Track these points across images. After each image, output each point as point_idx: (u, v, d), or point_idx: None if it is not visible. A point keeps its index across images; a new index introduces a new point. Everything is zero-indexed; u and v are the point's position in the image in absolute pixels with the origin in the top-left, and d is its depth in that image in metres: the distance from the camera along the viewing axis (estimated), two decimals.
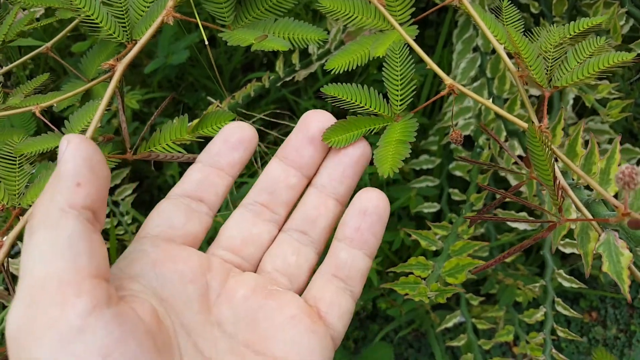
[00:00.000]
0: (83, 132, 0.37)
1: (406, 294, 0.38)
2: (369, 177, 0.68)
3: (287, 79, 0.58)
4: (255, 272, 0.25)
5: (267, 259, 0.25)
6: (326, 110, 0.30)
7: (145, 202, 0.80)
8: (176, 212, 0.24)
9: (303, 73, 0.58)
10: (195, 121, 0.38)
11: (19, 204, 0.33)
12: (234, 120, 0.39)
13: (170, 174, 0.76)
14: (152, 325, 0.19)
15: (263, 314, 0.22)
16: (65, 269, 0.17)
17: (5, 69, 0.49)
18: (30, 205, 0.33)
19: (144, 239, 0.23)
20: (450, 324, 0.62)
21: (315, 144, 0.26)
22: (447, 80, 0.30)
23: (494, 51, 0.59)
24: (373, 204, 0.24)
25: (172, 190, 0.25)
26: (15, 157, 0.35)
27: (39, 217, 0.18)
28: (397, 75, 0.31)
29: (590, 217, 0.29)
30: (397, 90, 0.31)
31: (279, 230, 0.26)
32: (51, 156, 0.61)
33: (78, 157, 0.18)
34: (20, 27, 0.49)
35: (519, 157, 0.54)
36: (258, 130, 0.75)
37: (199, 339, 0.21)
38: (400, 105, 0.31)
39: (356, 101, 0.31)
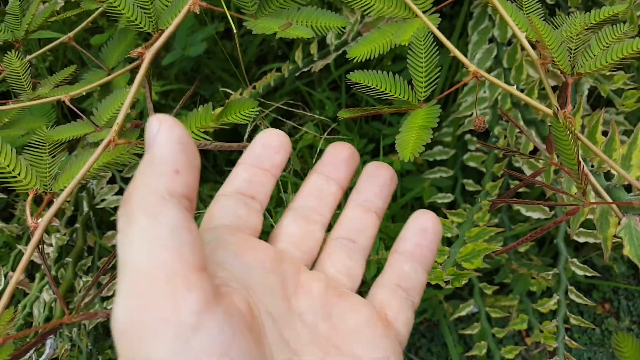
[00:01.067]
0: (111, 120, 0.38)
1: None
2: None
3: (305, 69, 0.59)
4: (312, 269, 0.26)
5: (326, 261, 0.26)
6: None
7: None
8: (238, 206, 0.24)
9: (320, 63, 0.59)
10: (219, 109, 0.39)
11: (51, 190, 0.35)
12: (255, 107, 0.40)
13: None
14: (249, 316, 0.19)
15: (337, 313, 0.23)
16: (172, 260, 0.16)
17: (27, 58, 0.51)
18: (62, 190, 0.34)
19: (217, 229, 0.23)
20: (463, 313, 0.62)
21: (347, 163, 0.28)
22: (471, 67, 0.31)
23: (510, 42, 0.59)
24: (431, 224, 0.26)
25: (223, 187, 0.26)
26: (45, 144, 0.36)
27: (137, 204, 0.17)
28: (422, 62, 0.31)
29: (611, 201, 0.30)
30: (422, 77, 0.31)
31: (327, 236, 0.27)
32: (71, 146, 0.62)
33: (174, 141, 0.18)
34: (43, 18, 0.50)
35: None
36: (274, 120, 0.76)
37: (284, 329, 0.20)
38: (424, 92, 0.32)
39: (382, 88, 0.32)
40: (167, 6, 0.40)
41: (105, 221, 0.78)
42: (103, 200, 0.73)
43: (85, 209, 0.71)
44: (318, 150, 0.72)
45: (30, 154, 0.35)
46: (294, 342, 0.20)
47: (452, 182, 0.71)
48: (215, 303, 0.17)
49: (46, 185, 0.34)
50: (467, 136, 0.70)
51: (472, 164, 0.68)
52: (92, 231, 0.72)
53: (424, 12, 0.36)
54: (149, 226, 0.17)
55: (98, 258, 0.71)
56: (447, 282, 0.37)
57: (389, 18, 0.39)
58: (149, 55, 0.35)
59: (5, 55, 0.44)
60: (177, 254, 0.16)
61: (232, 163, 0.85)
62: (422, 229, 0.26)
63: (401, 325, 0.24)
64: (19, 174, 0.33)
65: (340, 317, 0.23)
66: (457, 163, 0.71)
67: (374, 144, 0.80)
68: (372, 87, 0.31)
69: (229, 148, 0.37)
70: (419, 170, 0.75)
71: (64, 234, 0.69)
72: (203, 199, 0.76)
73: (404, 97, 0.31)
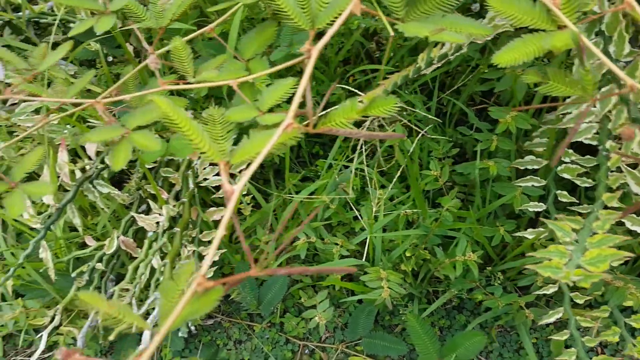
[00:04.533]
0: (272, 108, 0.43)
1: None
2: (478, 172, 0.70)
3: (422, 72, 0.61)
4: None
5: None
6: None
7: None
8: None
9: (429, 69, 0.62)
10: (365, 103, 0.43)
11: (229, 160, 0.39)
12: (397, 104, 0.43)
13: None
14: None
15: None
16: None
17: (162, 50, 0.56)
18: (240, 163, 0.38)
19: None
20: (552, 320, 0.64)
21: None
22: (629, 80, 0.33)
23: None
24: None
25: None
26: (220, 123, 0.41)
27: None
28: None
29: None
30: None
31: None
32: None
33: None
34: (184, 7, 0.55)
35: None
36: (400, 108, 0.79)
37: None
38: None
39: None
40: (323, 8, 0.44)
41: (206, 200, 0.84)
42: (205, 179, 0.79)
43: (191, 185, 0.77)
44: (410, 150, 0.75)
45: (208, 131, 0.40)
46: None
47: (542, 192, 0.72)
48: None
49: (225, 157, 0.39)
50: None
51: (567, 175, 0.69)
52: (194, 206, 0.78)
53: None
54: None
55: (200, 231, 0.76)
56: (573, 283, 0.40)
57: (530, 27, 0.42)
58: (315, 51, 0.39)
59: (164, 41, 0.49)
60: None
61: (314, 156, 0.89)
62: None
63: None
64: (205, 148, 0.38)
65: None
66: (550, 174, 0.72)
67: (458, 149, 0.82)
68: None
69: (373, 136, 0.41)
70: (507, 178, 0.76)
71: (174, 206, 0.75)
72: (287, 187, 0.81)
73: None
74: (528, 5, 0.41)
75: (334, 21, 0.43)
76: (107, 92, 0.54)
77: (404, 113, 0.85)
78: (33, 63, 0.56)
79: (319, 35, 0.42)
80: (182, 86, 0.44)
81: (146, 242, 0.74)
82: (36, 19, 0.88)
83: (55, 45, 0.94)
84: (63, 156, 0.74)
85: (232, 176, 0.80)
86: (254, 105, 0.42)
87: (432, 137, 0.81)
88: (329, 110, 0.68)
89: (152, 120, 0.47)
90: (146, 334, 0.64)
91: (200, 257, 0.75)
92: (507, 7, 0.42)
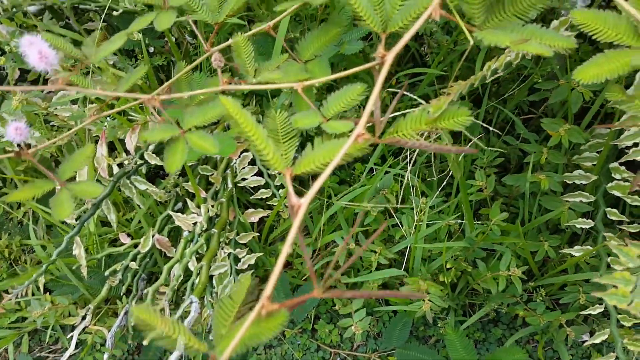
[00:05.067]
0: (338, 115, 0.41)
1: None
2: (529, 185, 0.68)
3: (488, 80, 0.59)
4: None
5: None
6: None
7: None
8: None
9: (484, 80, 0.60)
10: (435, 114, 0.41)
11: (293, 170, 0.38)
12: (469, 116, 0.42)
13: None
14: None
15: None
16: None
17: (222, 45, 0.55)
18: (304, 172, 0.37)
19: None
20: (598, 341, 0.62)
21: None
22: None
23: None
24: None
25: None
26: (279, 132, 0.39)
27: None
28: None
29: None
30: None
31: None
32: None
33: None
34: (240, 3, 0.54)
35: None
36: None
37: None
38: None
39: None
40: (397, 10, 0.42)
41: (243, 201, 0.83)
42: (244, 179, 0.78)
43: (229, 185, 0.76)
44: (459, 160, 0.73)
45: (272, 137, 0.38)
46: None
47: (590, 209, 0.70)
48: None
49: (288, 164, 0.37)
50: (613, 164, 0.69)
51: (617, 193, 0.67)
52: (231, 207, 0.77)
53: None
54: None
55: (237, 233, 0.75)
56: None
57: (616, 43, 0.40)
58: (390, 57, 0.38)
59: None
60: None
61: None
62: None
63: None
64: (269, 156, 0.36)
65: None
66: (600, 190, 0.70)
67: (503, 158, 0.80)
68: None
69: (444, 150, 0.39)
70: (552, 191, 0.74)
71: (212, 206, 0.74)
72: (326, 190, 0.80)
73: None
74: (614, 19, 0.40)
75: (406, 24, 0.41)
76: (162, 88, 0.52)
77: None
78: (86, 53, 0.54)
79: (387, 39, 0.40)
80: (244, 86, 0.42)
81: (182, 241, 0.73)
82: (77, 4, 0.87)
83: (88, 32, 0.94)
84: (102, 150, 0.73)
85: (270, 177, 0.79)
86: (319, 112, 0.41)
87: (478, 145, 0.79)
88: (393, 115, 0.66)
89: (211, 121, 0.46)
90: (175, 354, 0.62)
91: (236, 260, 0.73)
92: (592, 19, 0.40)
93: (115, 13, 0.82)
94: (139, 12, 0.81)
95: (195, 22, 0.59)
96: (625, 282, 0.41)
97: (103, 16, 0.83)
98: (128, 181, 0.74)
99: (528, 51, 0.38)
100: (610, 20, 0.40)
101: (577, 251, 0.66)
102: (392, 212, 0.76)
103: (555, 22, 0.59)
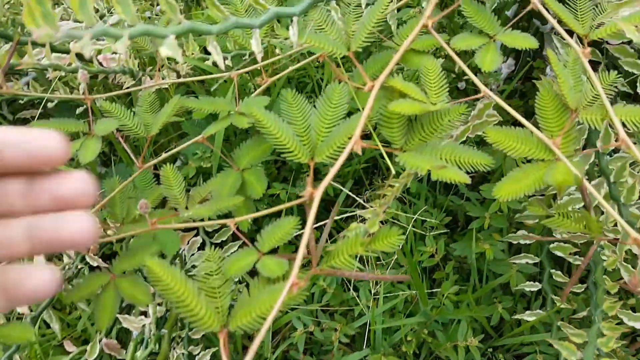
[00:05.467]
0: (273, 251, 0.40)
1: None
2: (474, 257, 0.70)
3: None
4: None
5: None
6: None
7: None
8: None
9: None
10: (369, 236, 0.41)
11: (227, 326, 0.37)
12: (401, 237, 0.42)
13: None
14: None
15: None
16: None
17: (153, 162, 0.54)
18: (241, 327, 0.36)
19: None
20: None
21: None
22: (633, 234, 0.33)
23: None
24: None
25: None
26: (218, 274, 0.38)
27: None
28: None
29: None
30: None
31: None
32: None
33: None
34: (168, 117, 0.53)
35: None
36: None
37: None
38: None
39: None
40: (322, 141, 0.42)
41: None
42: (194, 266, 0.76)
43: None
44: (407, 231, 0.74)
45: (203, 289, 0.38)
46: None
47: (537, 270, 0.72)
48: None
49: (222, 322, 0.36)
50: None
51: (559, 253, 0.69)
52: None
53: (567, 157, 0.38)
54: None
55: (190, 329, 0.73)
56: None
57: (529, 158, 0.42)
58: (317, 196, 0.38)
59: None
60: None
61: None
62: None
63: None
64: (201, 312, 0.35)
65: None
66: (544, 250, 0.72)
67: (451, 217, 0.82)
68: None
69: (367, 277, 0.39)
70: (502, 252, 0.76)
71: (160, 304, 0.71)
72: None
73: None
74: (525, 135, 0.41)
75: (331, 154, 0.41)
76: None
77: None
78: None
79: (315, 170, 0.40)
80: (175, 225, 0.41)
81: (131, 344, 0.70)
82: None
83: (25, 121, 0.90)
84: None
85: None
86: (254, 248, 0.40)
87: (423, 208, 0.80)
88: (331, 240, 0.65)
89: (139, 266, 0.44)
90: None
91: (191, 357, 0.71)
92: (505, 137, 0.42)
93: (50, 105, 0.80)
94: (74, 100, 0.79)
95: (125, 137, 0.58)
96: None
97: (40, 110, 0.80)
98: (70, 286, 0.71)
99: (447, 178, 0.39)
100: (522, 136, 0.41)
101: (529, 316, 0.67)
102: (349, 286, 0.75)
103: (480, 105, 0.61)
